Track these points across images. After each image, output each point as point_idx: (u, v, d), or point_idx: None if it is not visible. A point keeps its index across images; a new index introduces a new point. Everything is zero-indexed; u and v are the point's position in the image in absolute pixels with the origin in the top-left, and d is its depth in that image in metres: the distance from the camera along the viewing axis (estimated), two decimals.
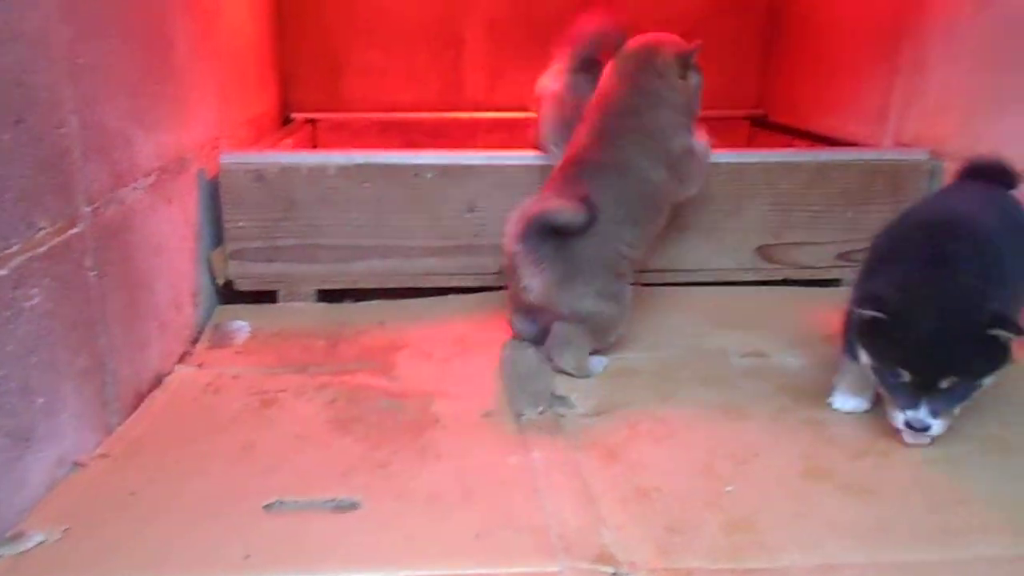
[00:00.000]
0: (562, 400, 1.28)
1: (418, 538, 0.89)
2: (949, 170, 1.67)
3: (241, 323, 1.56)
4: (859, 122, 2.01)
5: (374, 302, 1.71)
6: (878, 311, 1.03)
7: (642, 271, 1.76)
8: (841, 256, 1.76)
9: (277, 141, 2.04)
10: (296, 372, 1.37)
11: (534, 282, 1.34)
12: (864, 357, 1.09)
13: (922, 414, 1.04)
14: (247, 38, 2.03)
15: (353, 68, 2.48)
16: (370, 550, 0.87)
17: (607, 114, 1.43)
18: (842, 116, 2.09)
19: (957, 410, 1.06)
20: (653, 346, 1.49)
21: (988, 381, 1.04)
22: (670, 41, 1.45)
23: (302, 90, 2.46)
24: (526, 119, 2.53)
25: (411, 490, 1.00)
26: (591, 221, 1.31)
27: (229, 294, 1.67)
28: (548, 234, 1.31)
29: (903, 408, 1.06)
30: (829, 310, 1.65)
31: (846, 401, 1.22)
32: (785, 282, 1.79)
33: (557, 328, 1.38)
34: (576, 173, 1.39)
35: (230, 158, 1.59)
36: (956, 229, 1.09)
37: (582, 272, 1.34)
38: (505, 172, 1.67)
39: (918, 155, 1.72)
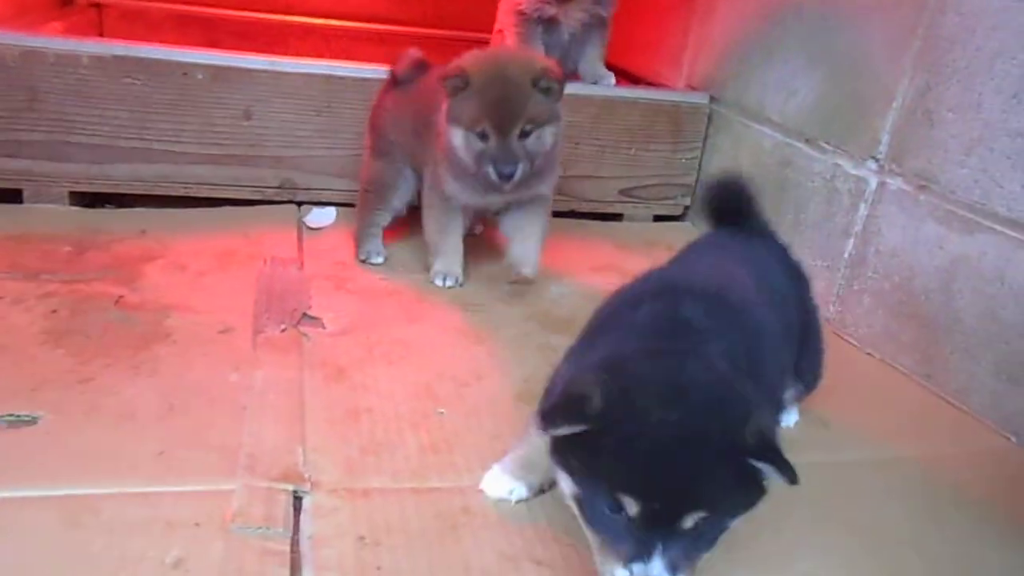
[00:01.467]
0: (313, 320, 1.27)
1: (92, 455, 0.86)
2: (722, 115, 1.76)
3: None
4: (661, 63, 2.05)
5: (138, 209, 1.60)
6: (582, 414, 0.67)
7: None
8: (623, 192, 1.83)
9: (41, 23, 1.82)
10: (24, 279, 1.26)
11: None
12: (565, 481, 0.72)
13: (656, 568, 0.67)
14: None
15: None
16: (33, 467, 0.83)
17: None
18: (648, 56, 2.13)
19: (701, 562, 0.71)
20: (423, 269, 1.50)
21: (739, 518, 0.71)
22: None
23: None
24: (343, 28, 2.43)
25: (105, 406, 0.96)
26: None
27: None
28: None
29: (628, 559, 0.67)
30: (606, 244, 1.73)
31: (499, 484, 0.90)
32: (572, 214, 1.84)
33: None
34: None
35: None
36: (701, 296, 0.79)
37: None
38: (285, 79, 1.58)
39: (698, 98, 1.79)
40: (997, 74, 1.08)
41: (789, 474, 0.66)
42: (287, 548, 0.77)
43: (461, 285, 1.43)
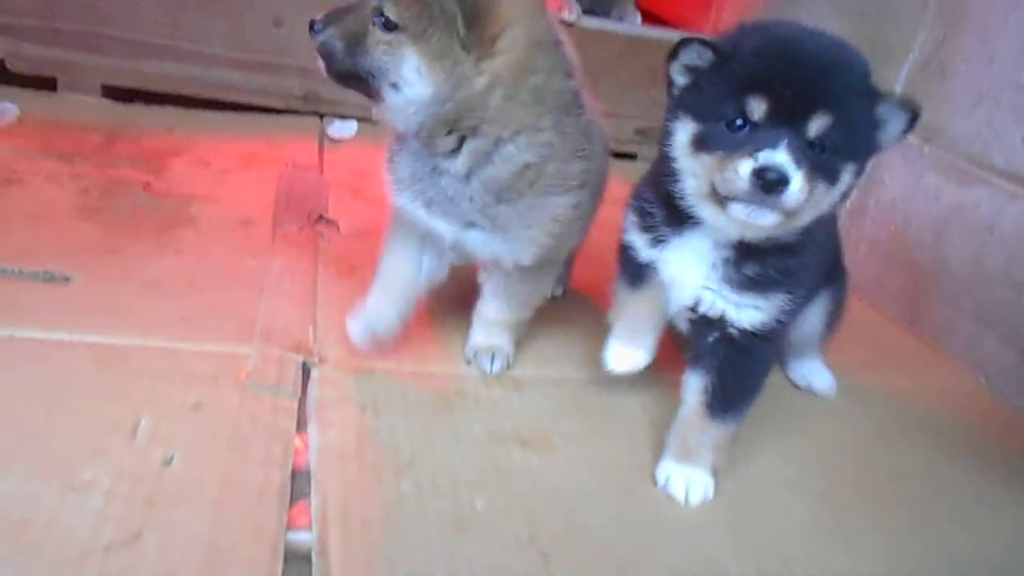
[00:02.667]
0: (329, 223, 1.32)
1: (121, 313, 0.93)
2: None
3: (8, 105, 1.47)
4: (690, 8, 2.06)
5: (166, 107, 1.64)
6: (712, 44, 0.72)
7: None
8: (639, 132, 1.85)
9: None
10: (58, 159, 1.32)
11: None
12: (682, 129, 0.75)
13: (781, 155, 0.68)
14: None
15: None
16: (67, 317, 0.90)
17: None
18: (679, 1, 2.13)
19: (819, 196, 0.71)
20: None
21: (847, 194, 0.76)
22: None
23: None
24: None
25: (133, 275, 1.02)
26: None
27: (1, 74, 1.55)
28: None
29: (754, 151, 0.68)
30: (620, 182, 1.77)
31: (624, 357, 0.87)
32: None
33: None
34: None
35: None
36: None
37: None
38: None
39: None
40: (1011, 28, 1.10)
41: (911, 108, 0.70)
42: (295, 406, 0.84)
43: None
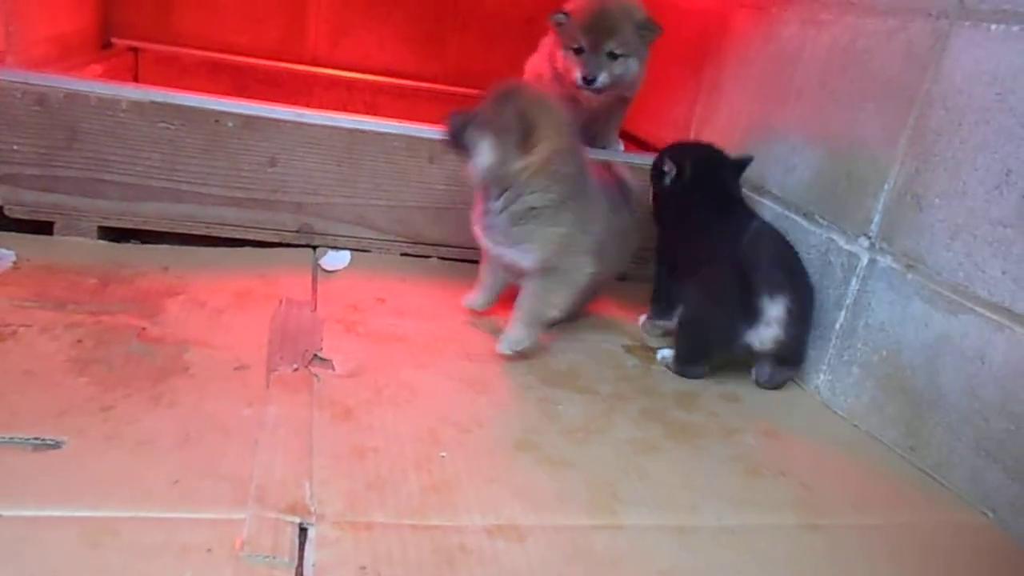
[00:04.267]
0: (324, 362, 1.32)
1: (112, 480, 0.91)
2: None
3: (4, 251, 1.48)
4: (669, 131, 2.14)
5: (161, 246, 1.67)
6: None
7: (443, 245, 1.83)
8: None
9: (83, 65, 1.92)
10: (51, 308, 1.32)
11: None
12: None
13: None
14: None
15: None
16: (56, 489, 0.88)
17: None
18: (658, 124, 2.22)
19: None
20: (432, 317, 1.56)
21: None
22: None
23: (128, 13, 2.32)
24: (367, 81, 2.55)
25: (125, 434, 1.01)
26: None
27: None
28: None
29: None
30: (607, 301, 1.79)
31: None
32: None
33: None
34: None
35: (7, 75, 1.49)
36: None
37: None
38: (310, 130, 1.67)
39: None
40: (980, 166, 1.16)
41: None
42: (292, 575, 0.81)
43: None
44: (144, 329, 1.31)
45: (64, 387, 1.10)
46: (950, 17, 1.22)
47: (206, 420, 1.08)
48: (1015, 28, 1.12)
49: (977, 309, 1.15)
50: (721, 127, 1.88)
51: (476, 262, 1.83)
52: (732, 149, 1.82)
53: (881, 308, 1.33)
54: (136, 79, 2.30)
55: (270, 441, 1.05)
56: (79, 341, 1.23)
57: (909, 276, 1.28)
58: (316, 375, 1.26)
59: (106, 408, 1.06)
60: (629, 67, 1.66)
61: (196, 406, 1.11)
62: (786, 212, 1.61)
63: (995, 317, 1.12)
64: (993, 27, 1.15)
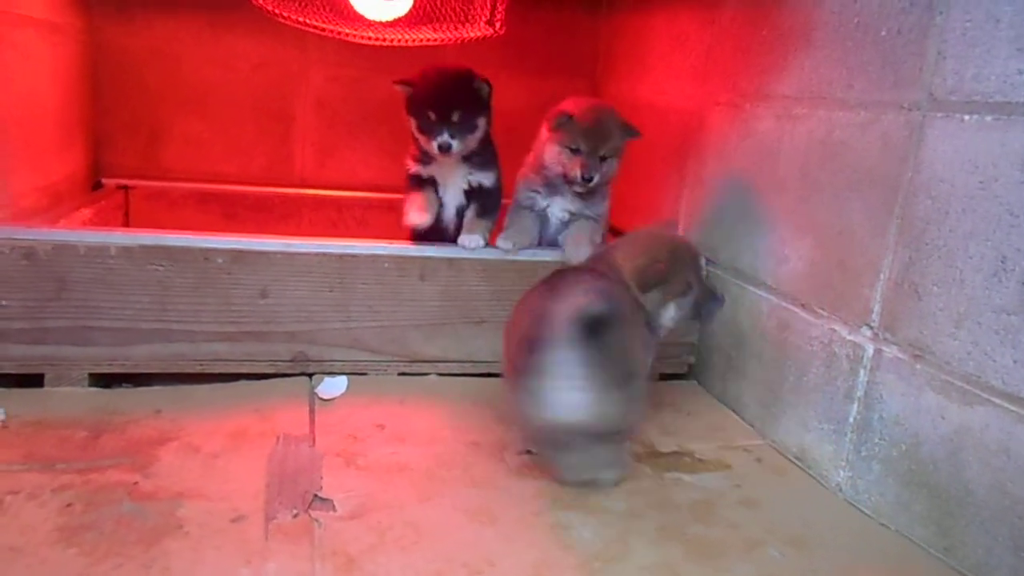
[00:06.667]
0: (324, 502, 1.27)
1: None
2: (719, 276, 1.83)
3: None
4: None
5: (154, 387, 1.64)
6: None
7: (440, 361, 1.80)
8: None
9: (74, 210, 1.94)
10: (41, 470, 1.28)
11: (576, 395, 1.16)
12: None
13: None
14: (46, 99, 1.94)
15: (174, 135, 2.43)
16: None
17: None
18: (646, 219, 2.24)
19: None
20: (433, 440, 1.51)
21: None
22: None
23: (117, 154, 2.37)
24: (354, 198, 2.58)
25: None
26: (617, 312, 1.22)
27: None
28: (591, 334, 1.14)
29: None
30: None
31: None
32: None
33: (595, 451, 1.29)
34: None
35: None
36: None
37: (619, 377, 1.22)
38: (300, 259, 1.67)
39: None
40: (974, 253, 1.14)
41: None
42: None
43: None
44: (136, 484, 1.26)
45: (51, 563, 1.05)
46: (922, 109, 1.24)
47: None
48: (988, 118, 1.13)
49: (994, 400, 1.11)
50: (708, 219, 1.89)
51: (475, 375, 1.81)
52: (722, 240, 1.83)
53: (894, 400, 1.29)
54: (127, 216, 2.33)
55: None
56: (68, 505, 1.19)
57: (918, 367, 1.24)
58: (317, 520, 1.21)
59: None
60: (613, 166, 1.82)
61: (190, 571, 1.05)
62: (783, 303, 1.59)
63: (1014, 408, 1.08)
64: (967, 117, 1.16)
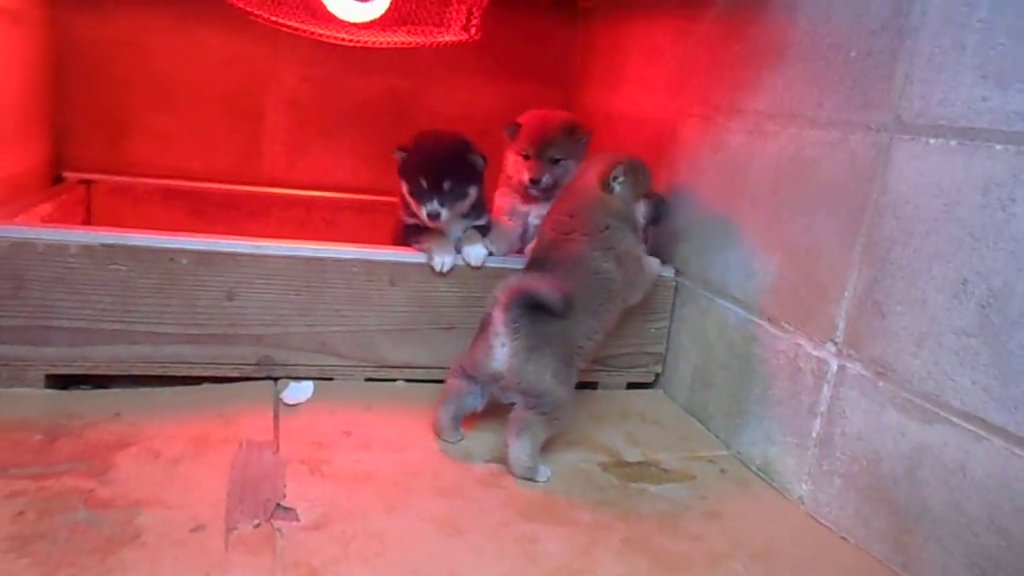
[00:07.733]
0: (287, 511, 1.25)
1: None
2: (688, 288, 1.84)
3: None
4: None
5: (113, 390, 1.60)
6: None
7: (408, 367, 1.79)
8: (597, 361, 1.87)
9: (33, 205, 1.89)
10: None
11: (503, 350, 1.44)
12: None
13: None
14: (4, 90, 1.89)
15: (140, 129, 2.37)
16: None
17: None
18: None
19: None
20: (400, 448, 1.50)
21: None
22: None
23: (80, 147, 2.32)
24: (323, 198, 2.55)
25: None
26: (568, 307, 1.43)
27: None
28: (529, 309, 1.42)
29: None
30: (580, 414, 1.75)
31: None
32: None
33: (516, 414, 1.45)
34: (541, 266, 1.58)
35: None
36: None
37: (547, 349, 1.44)
38: (268, 261, 1.64)
39: (665, 271, 1.87)
40: (937, 274, 1.17)
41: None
42: None
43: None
44: (92, 491, 1.23)
45: (1, 574, 1.01)
46: (889, 131, 1.26)
47: None
48: (952, 143, 1.15)
49: (952, 419, 1.13)
50: (679, 232, 1.90)
51: (443, 382, 1.80)
52: (692, 252, 1.84)
53: (856, 416, 1.31)
54: (88, 211, 2.27)
55: None
56: (20, 513, 1.15)
57: (880, 384, 1.27)
58: (279, 530, 1.19)
59: None
60: (567, 169, 1.88)
61: None
62: (750, 316, 1.61)
63: (971, 428, 1.10)
64: (932, 141, 1.18)
